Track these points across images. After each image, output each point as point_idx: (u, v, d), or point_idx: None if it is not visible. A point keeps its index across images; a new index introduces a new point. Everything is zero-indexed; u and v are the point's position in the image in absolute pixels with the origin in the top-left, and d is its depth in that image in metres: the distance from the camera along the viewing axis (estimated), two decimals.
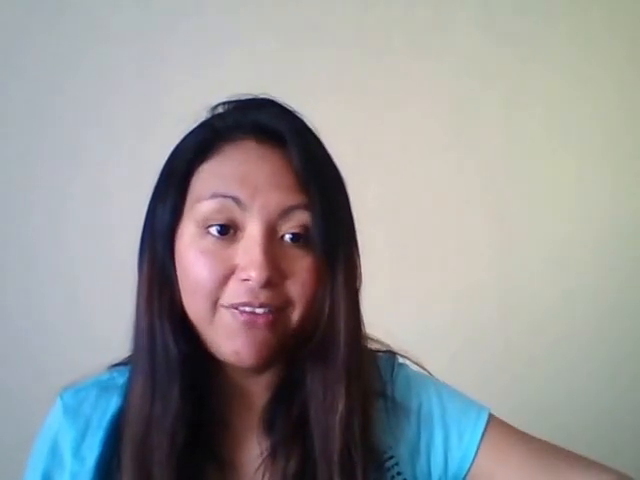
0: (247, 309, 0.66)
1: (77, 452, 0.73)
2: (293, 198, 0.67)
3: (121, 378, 0.75)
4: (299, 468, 0.70)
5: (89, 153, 1.48)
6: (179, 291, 0.70)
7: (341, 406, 0.69)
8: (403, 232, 1.65)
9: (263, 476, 0.71)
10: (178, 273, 0.70)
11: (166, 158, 0.74)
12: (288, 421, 0.71)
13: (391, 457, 0.74)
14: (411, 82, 1.66)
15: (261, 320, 0.67)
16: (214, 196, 0.67)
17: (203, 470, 0.70)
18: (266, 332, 0.67)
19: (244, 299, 0.66)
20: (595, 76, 1.81)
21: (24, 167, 1.46)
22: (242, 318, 0.66)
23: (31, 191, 1.46)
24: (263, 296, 0.66)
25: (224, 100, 0.75)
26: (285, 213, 0.67)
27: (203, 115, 0.75)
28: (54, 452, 0.74)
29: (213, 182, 0.69)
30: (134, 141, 1.49)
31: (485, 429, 0.76)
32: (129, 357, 0.75)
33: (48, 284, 1.47)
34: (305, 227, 0.68)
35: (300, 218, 0.67)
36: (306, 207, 0.67)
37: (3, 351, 1.44)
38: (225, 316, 0.67)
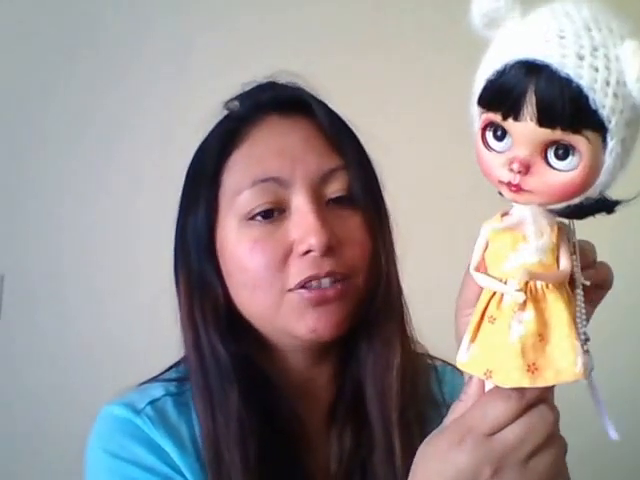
0: (314, 284, 0.64)
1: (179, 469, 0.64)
2: (331, 161, 0.67)
3: (188, 391, 0.69)
4: (356, 433, 0.68)
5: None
6: (225, 294, 0.67)
7: (397, 361, 0.68)
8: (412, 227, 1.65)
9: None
10: (228, 273, 0.67)
11: (189, 163, 0.72)
12: (346, 400, 0.70)
13: None
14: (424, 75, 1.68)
15: (331, 293, 0.64)
16: (254, 183, 0.65)
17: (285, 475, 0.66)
18: (339, 304, 0.65)
19: (309, 273, 0.64)
20: None
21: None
22: (310, 295, 0.64)
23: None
24: (327, 264, 0.64)
25: (235, 95, 0.74)
26: (326, 177, 0.67)
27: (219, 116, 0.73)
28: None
29: (249, 169, 0.67)
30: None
31: None
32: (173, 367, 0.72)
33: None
34: (347, 188, 0.67)
35: (341, 180, 0.67)
36: (344, 168, 0.68)
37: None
38: (293, 299, 0.64)
